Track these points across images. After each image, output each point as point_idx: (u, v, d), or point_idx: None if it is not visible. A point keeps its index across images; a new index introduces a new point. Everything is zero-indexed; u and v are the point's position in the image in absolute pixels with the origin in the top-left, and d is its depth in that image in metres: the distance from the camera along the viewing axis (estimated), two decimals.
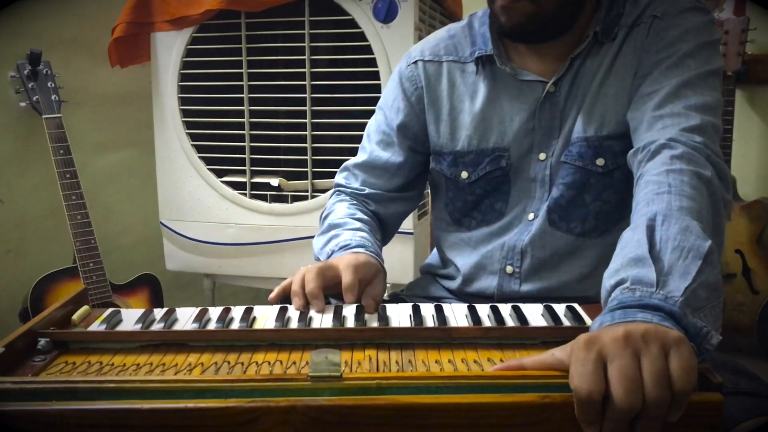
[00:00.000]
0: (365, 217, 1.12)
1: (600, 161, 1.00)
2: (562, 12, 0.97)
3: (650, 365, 0.56)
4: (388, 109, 1.15)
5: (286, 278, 0.93)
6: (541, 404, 0.58)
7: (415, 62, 1.12)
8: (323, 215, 1.16)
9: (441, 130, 1.10)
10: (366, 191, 1.16)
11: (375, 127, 1.18)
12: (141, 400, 0.59)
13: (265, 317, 0.84)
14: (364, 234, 1.05)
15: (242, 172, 1.97)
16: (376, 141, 1.16)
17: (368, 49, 1.78)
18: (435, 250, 1.22)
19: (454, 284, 1.14)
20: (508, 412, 0.58)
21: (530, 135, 1.04)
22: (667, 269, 0.68)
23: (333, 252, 1.01)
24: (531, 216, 1.05)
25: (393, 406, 0.58)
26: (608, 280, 0.71)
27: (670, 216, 0.75)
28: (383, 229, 1.18)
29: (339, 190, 1.20)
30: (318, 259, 1.06)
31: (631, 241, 0.73)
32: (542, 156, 1.04)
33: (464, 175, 1.09)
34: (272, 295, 0.93)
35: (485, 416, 0.58)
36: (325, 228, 1.10)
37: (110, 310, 0.86)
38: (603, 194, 1.01)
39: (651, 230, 0.73)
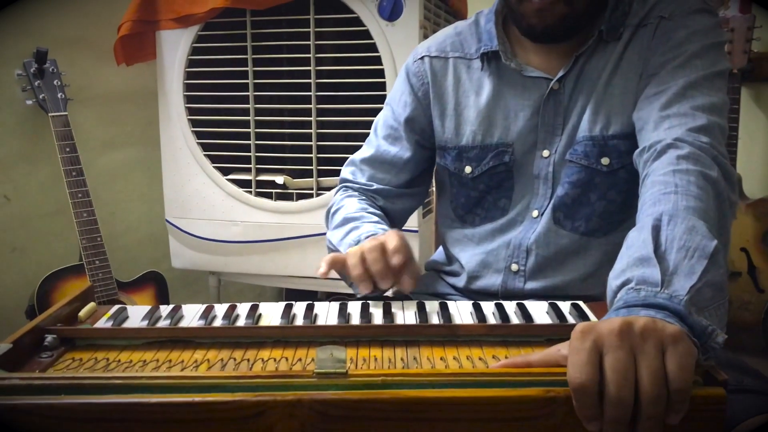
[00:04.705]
0: (377, 212, 1.13)
1: (605, 160, 1.00)
2: (589, 11, 0.98)
3: (646, 363, 0.56)
4: (395, 103, 1.16)
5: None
6: (545, 398, 0.58)
7: (422, 58, 1.13)
8: (332, 210, 1.16)
9: (446, 125, 1.11)
10: (374, 187, 1.16)
11: (383, 121, 1.18)
12: (148, 395, 0.60)
13: (271, 314, 0.84)
14: (384, 227, 1.05)
15: (248, 170, 1.97)
16: (383, 135, 1.17)
17: (373, 47, 1.79)
18: (440, 247, 1.23)
19: (458, 281, 1.14)
20: (513, 406, 0.58)
21: (534, 131, 1.04)
22: (672, 269, 0.67)
23: (359, 241, 1.00)
24: (535, 213, 1.06)
25: (398, 400, 0.58)
26: (614, 280, 0.71)
27: (676, 216, 0.74)
28: (390, 225, 1.18)
29: (346, 186, 1.20)
30: (337, 251, 1.05)
31: (636, 241, 0.73)
32: (545, 153, 1.04)
33: (468, 169, 1.09)
34: (323, 269, 0.94)
35: (490, 410, 0.58)
36: (339, 222, 1.10)
37: (117, 307, 0.86)
38: (608, 193, 1.02)
39: (657, 230, 0.73)
